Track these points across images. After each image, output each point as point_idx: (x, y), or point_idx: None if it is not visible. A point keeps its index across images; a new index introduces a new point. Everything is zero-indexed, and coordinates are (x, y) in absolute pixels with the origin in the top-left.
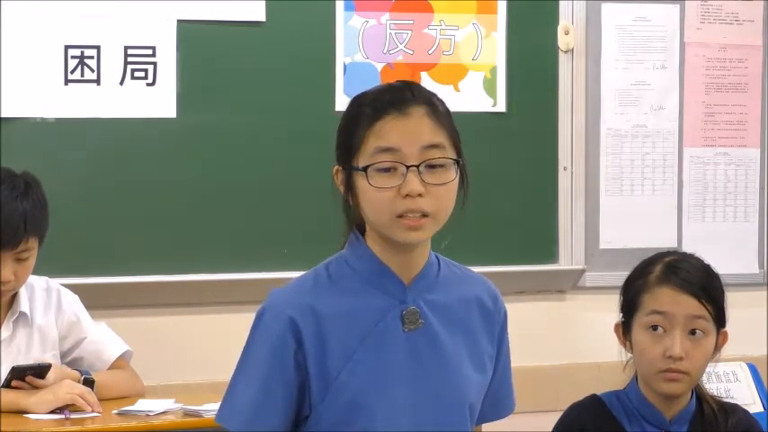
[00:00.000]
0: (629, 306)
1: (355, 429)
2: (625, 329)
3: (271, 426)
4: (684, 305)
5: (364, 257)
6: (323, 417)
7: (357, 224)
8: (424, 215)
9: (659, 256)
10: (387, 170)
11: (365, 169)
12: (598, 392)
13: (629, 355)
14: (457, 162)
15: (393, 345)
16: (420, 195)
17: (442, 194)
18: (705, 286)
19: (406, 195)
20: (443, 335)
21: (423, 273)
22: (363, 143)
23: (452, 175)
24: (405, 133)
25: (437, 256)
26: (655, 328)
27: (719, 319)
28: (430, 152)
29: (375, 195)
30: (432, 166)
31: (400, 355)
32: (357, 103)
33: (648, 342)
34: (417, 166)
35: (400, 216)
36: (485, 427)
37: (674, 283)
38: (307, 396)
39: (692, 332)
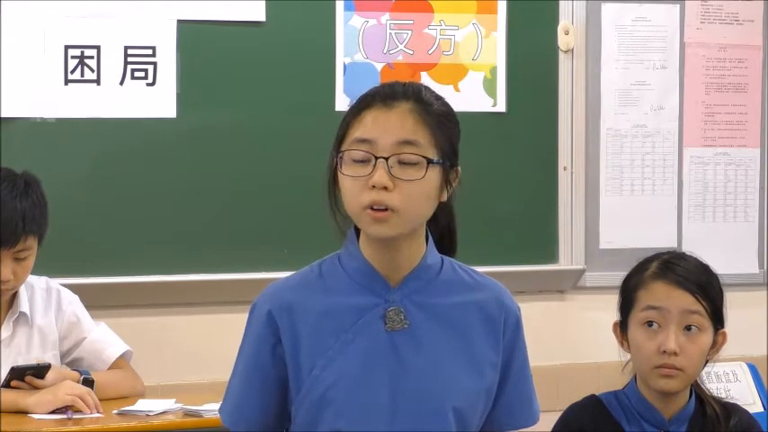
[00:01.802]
0: (626, 303)
1: (324, 425)
2: (623, 328)
3: (251, 418)
4: (679, 300)
5: (353, 256)
6: (298, 413)
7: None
8: (389, 209)
9: (657, 255)
10: (361, 161)
11: (340, 156)
12: (598, 392)
13: (629, 355)
14: (429, 162)
15: (373, 344)
16: (386, 189)
17: (410, 191)
18: (701, 283)
19: (373, 186)
20: (432, 337)
21: (415, 274)
22: (348, 133)
23: (422, 173)
24: (383, 126)
25: (443, 259)
26: (650, 324)
27: (716, 317)
28: (403, 147)
29: (346, 183)
30: (404, 162)
31: (380, 355)
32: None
33: (644, 338)
34: (387, 159)
35: (367, 207)
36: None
37: (669, 278)
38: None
39: (688, 328)
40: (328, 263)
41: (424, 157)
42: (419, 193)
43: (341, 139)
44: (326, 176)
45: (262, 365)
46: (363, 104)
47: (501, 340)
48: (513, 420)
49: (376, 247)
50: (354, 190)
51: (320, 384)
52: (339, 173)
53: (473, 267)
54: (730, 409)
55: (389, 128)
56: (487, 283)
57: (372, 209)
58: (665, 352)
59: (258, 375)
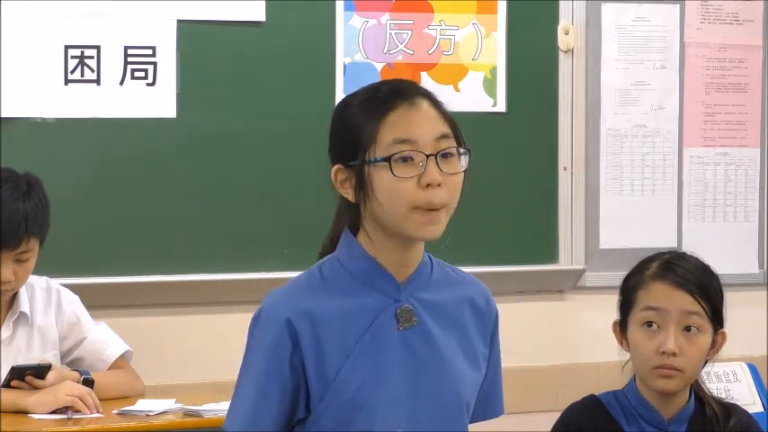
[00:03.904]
0: (626, 303)
1: (356, 427)
2: (622, 327)
3: (266, 428)
4: (678, 301)
5: (358, 257)
6: (323, 417)
7: (348, 225)
8: (442, 206)
9: (658, 255)
10: (405, 160)
11: (388, 159)
12: (597, 393)
13: (628, 355)
14: (468, 151)
15: (388, 343)
16: (439, 185)
17: (456, 184)
18: (700, 283)
19: (428, 185)
20: (437, 333)
21: (417, 272)
22: (378, 136)
23: (463, 164)
24: (418, 124)
25: (429, 257)
26: (650, 324)
27: (716, 318)
28: (443, 142)
29: (396, 186)
30: (445, 156)
31: (396, 354)
32: (353, 102)
33: (643, 338)
34: (435, 156)
35: (416, 208)
36: (488, 427)
37: (668, 279)
38: (302, 398)
39: (687, 329)
40: (328, 266)
41: (460, 148)
42: (459, 184)
43: (367, 144)
44: (350, 188)
45: (280, 375)
46: (386, 106)
47: (487, 334)
48: (484, 412)
49: (393, 248)
50: (407, 190)
51: (346, 388)
52: (389, 175)
53: (472, 268)
54: (730, 409)
55: (425, 125)
56: (470, 278)
57: (426, 209)
58: (664, 353)
59: (276, 385)
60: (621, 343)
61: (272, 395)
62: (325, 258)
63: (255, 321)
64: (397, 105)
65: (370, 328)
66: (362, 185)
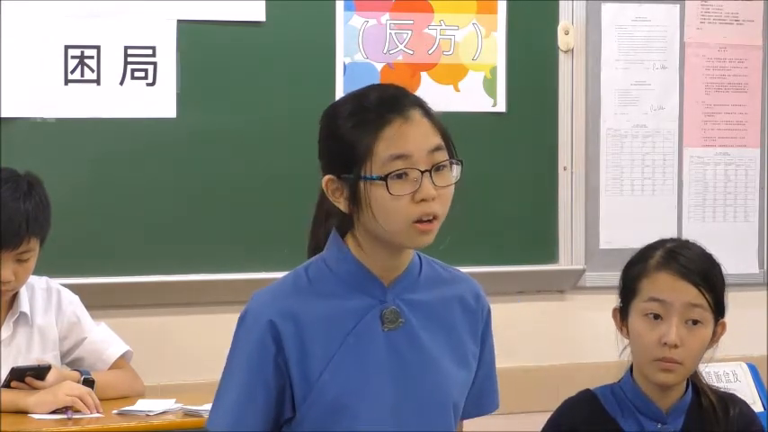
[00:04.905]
0: (628, 291)
1: (340, 428)
2: (623, 315)
3: (252, 428)
4: (683, 293)
5: (344, 260)
6: (306, 418)
7: (337, 226)
8: (435, 217)
9: (661, 242)
10: (400, 176)
11: (385, 178)
12: None
13: (628, 352)
14: (460, 162)
15: (373, 345)
16: (433, 199)
17: (447, 195)
18: (705, 274)
19: (422, 200)
20: (424, 334)
21: (405, 273)
22: (373, 151)
23: (454, 176)
24: (413, 138)
25: (419, 256)
26: (654, 315)
27: (718, 309)
28: (436, 155)
29: (392, 203)
30: (438, 169)
31: (381, 356)
32: (342, 112)
33: (645, 328)
34: (430, 171)
35: (413, 223)
36: (488, 427)
37: (673, 269)
38: (287, 398)
39: (690, 321)
40: (314, 267)
41: (452, 159)
42: (451, 194)
43: (362, 159)
44: (344, 199)
45: (265, 376)
46: (381, 120)
47: (478, 332)
48: (478, 408)
49: (384, 253)
50: (402, 208)
51: (329, 390)
52: (385, 193)
53: (472, 268)
54: (727, 400)
55: (419, 139)
56: (462, 276)
57: (422, 221)
58: (665, 344)
59: (262, 387)
60: (621, 330)
61: (257, 395)
62: (311, 259)
63: (241, 321)
64: (392, 120)
65: (354, 329)
66: (356, 199)
